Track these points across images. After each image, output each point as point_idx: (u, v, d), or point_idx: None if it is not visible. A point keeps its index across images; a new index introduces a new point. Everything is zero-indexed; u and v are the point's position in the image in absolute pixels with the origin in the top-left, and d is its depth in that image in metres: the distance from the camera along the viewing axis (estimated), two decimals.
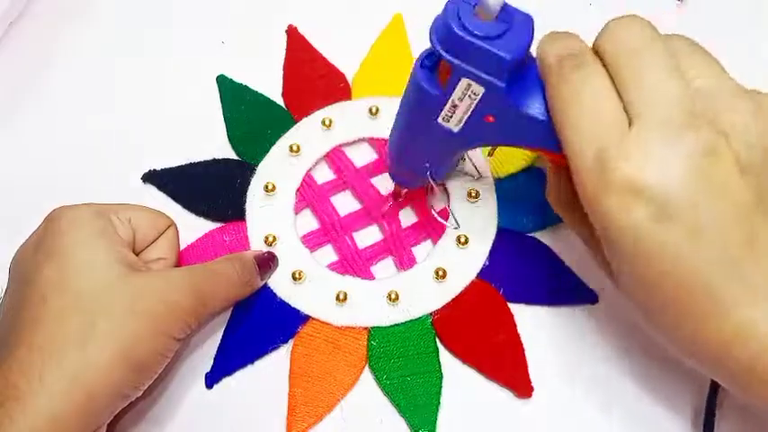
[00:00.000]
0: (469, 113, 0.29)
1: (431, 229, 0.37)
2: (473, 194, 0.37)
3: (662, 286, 0.24)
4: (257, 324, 0.35)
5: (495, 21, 0.26)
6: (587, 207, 0.25)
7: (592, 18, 0.42)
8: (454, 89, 0.28)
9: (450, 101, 0.28)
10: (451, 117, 0.29)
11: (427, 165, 0.32)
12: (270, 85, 0.41)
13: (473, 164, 0.37)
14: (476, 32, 0.26)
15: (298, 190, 0.38)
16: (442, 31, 0.27)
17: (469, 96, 0.28)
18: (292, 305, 0.35)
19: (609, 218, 0.24)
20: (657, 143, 0.23)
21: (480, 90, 0.28)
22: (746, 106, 0.24)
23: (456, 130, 0.29)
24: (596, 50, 0.27)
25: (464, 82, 0.27)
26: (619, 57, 0.25)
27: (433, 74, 0.29)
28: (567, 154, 0.26)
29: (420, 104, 0.30)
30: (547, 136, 0.28)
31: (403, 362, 0.34)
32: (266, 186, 0.38)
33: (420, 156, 0.32)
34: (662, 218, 0.23)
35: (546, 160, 0.31)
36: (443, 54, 0.27)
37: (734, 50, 0.41)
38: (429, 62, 0.29)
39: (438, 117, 0.29)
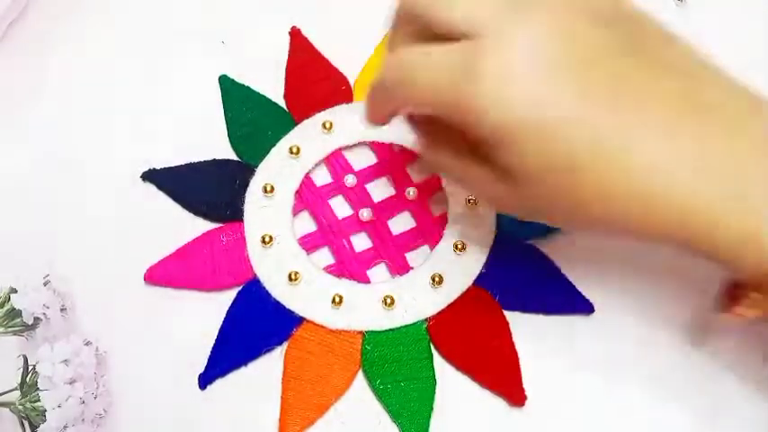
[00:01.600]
0: None
1: (428, 234, 0.37)
2: (472, 201, 0.37)
3: (557, 149, 0.25)
4: (252, 325, 0.35)
5: None
6: (474, 125, 0.26)
7: None
8: None
9: None
10: None
11: None
12: (271, 86, 0.41)
13: None
14: None
15: (296, 192, 0.38)
16: None
17: None
18: (287, 306, 0.35)
19: (495, 112, 0.25)
20: (499, 32, 0.25)
21: None
22: None
23: None
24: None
25: None
26: (423, 6, 0.27)
27: None
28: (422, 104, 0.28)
29: None
30: None
31: (397, 367, 0.34)
32: (265, 187, 0.38)
33: None
34: (543, 82, 0.25)
35: None
36: None
37: (733, 50, 0.41)
38: None
39: None
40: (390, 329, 0.35)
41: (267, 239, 0.37)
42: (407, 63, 0.27)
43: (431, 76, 0.26)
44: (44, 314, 0.32)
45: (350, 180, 0.38)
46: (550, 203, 0.27)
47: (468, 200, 0.37)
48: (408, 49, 0.27)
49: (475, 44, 0.25)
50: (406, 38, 0.28)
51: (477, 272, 0.36)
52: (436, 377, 0.34)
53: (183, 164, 0.39)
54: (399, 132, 0.39)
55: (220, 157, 0.39)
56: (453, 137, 0.29)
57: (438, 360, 0.34)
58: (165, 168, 0.39)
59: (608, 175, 0.25)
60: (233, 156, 0.39)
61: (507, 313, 0.35)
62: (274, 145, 0.39)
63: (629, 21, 0.27)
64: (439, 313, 0.35)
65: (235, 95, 0.41)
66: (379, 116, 0.31)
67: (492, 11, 0.25)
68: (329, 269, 0.36)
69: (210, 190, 0.38)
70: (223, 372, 0.34)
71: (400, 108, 0.30)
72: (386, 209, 0.38)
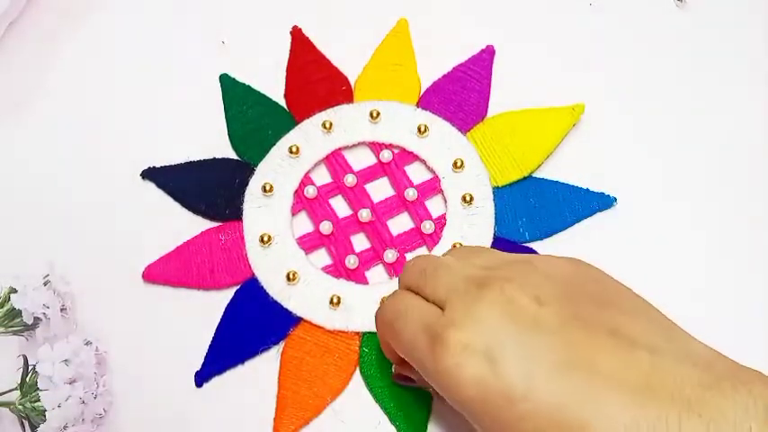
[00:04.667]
0: None
1: (427, 235, 0.37)
2: (467, 199, 0.37)
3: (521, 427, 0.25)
4: (249, 324, 0.35)
5: None
6: (434, 383, 0.27)
7: (592, 18, 0.42)
8: None
9: None
10: None
11: None
12: (271, 85, 0.41)
13: None
14: None
15: (295, 192, 0.38)
16: None
17: None
18: (285, 306, 0.35)
19: (452, 381, 0.26)
20: (464, 308, 0.27)
21: None
22: (520, 267, 0.28)
23: None
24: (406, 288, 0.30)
25: None
26: (416, 279, 0.30)
27: None
28: (403, 352, 0.29)
29: None
30: None
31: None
32: (264, 187, 0.38)
33: None
34: (491, 361, 0.25)
35: None
36: None
37: (733, 51, 0.41)
38: None
39: None
40: None
41: (266, 239, 0.37)
42: (396, 311, 0.29)
43: (410, 331, 0.28)
44: (44, 314, 0.33)
45: (349, 180, 0.38)
46: None
47: (464, 198, 0.37)
48: (403, 297, 0.30)
49: (446, 315, 0.27)
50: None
51: None
52: None
53: (182, 162, 0.39)
54: (399, 133, 0.39)
55: (220, 156, 0.39)
56: None
57: None
58: (164, 167, 0.39)
59: None
60: (233, 155, 0.39)
61: None
62: (274, 144, 0.39)
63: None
64: None
65: (235, 94, 0.41)
66: (388, 352, 0.32)
67: (464, 286, 0.28)
68: (328, 269, 0.37)
69: (210, 189, 0.38)
70: (219, 370, 0.34)
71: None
72: (385, 209, 0.38)
